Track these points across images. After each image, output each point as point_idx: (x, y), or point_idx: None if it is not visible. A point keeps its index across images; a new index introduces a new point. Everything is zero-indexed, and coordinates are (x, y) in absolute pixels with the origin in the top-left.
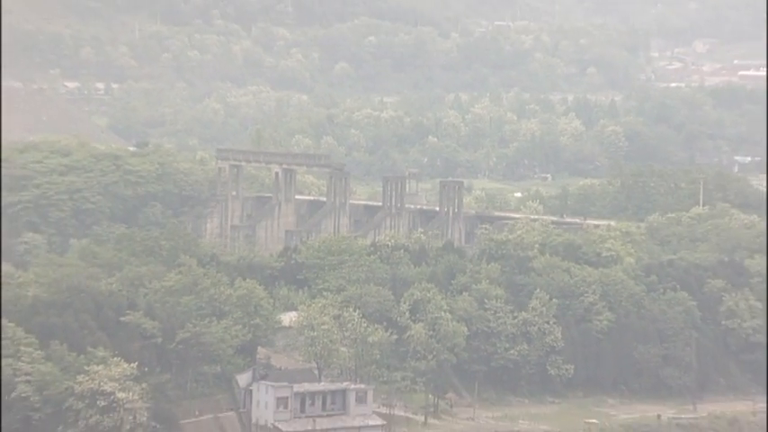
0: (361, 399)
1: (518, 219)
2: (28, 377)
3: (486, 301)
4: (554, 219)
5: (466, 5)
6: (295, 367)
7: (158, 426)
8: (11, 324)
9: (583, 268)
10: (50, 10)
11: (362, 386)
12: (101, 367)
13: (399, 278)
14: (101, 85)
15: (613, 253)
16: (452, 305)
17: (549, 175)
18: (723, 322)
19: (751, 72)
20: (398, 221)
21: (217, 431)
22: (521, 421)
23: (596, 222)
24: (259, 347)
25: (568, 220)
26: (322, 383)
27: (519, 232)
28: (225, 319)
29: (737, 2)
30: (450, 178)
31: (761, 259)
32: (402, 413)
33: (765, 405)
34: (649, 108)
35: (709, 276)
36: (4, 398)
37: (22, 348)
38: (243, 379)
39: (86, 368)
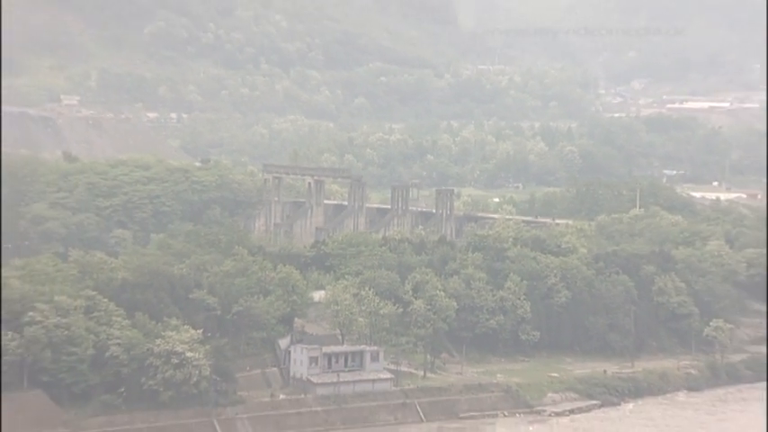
0: (374, 358)
1: (496, 218)
2: (118, 341)
3: (471, 282)
4: (526, 218)
5: (456, 53)
6: (323, 333)
7: (218, 378)
8: (104, 300)
9: (546, 257)
10: (135, 57)
11: (376, 348)
12: (174, 333)
13: (404, 264)
14: (174, 116)
15: (570, 245)
16: (445, 285)
17: (520, 185)
18: (655, 298)
19: (676, 105)
20: (404, 221)
21: (263, 382)
22: (498, 375)
23: (558, 221)
24: (296, 318)
25: (540, 219)
26: (344, 346)
27: (497, 229)
28: (269, 296)
29: (666, 51)
30: (443, 187)
31: (684, 250)
32: (406, 369)
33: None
34: (598, 133)
35: (644, 263)
36: (100, 357)
37: (114, 318)
38: (283, 342)
39: (163, 334)
